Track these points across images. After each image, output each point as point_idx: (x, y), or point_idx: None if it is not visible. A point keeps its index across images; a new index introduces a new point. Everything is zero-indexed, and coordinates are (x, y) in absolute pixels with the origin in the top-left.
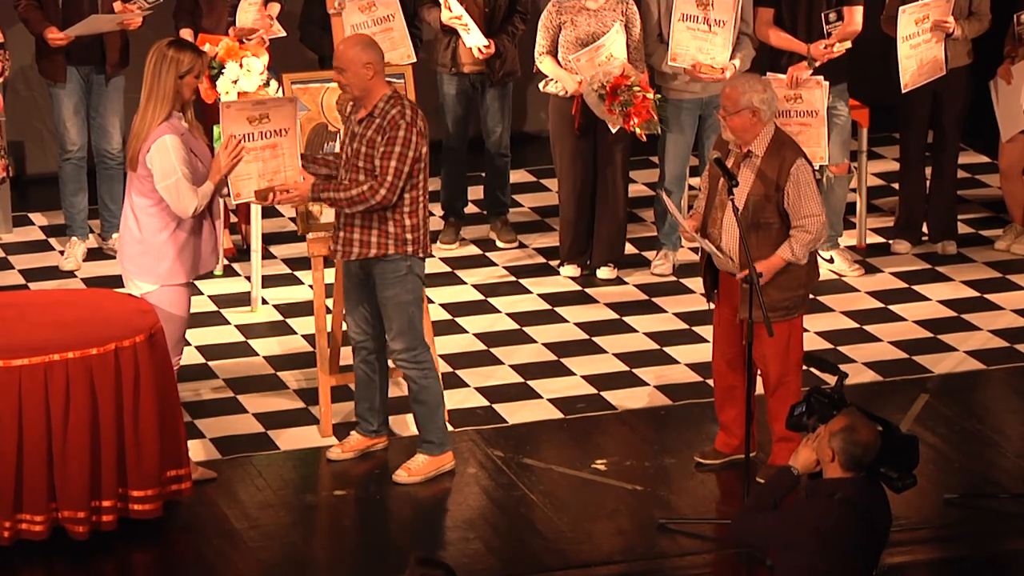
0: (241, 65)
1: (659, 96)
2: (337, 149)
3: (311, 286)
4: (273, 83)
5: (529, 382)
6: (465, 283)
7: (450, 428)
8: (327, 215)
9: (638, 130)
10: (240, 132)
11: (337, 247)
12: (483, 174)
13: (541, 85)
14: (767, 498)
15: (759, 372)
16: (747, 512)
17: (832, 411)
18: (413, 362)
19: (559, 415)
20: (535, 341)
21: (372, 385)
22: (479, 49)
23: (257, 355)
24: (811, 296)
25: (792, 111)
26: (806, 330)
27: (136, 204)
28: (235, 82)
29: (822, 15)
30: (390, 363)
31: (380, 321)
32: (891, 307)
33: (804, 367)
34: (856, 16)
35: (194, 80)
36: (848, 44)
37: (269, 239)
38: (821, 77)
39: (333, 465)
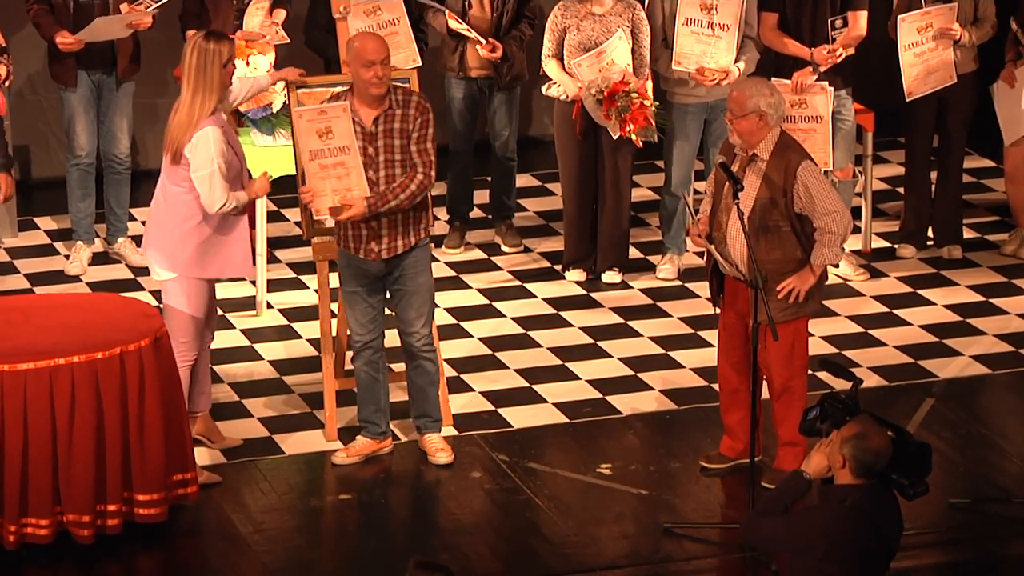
0: (248, 63)
1: (658, 104)
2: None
3: (316, 290)
4: (280, 82)
5: (534, 386)
6: (470, 287)
7: (455, 432)
8: (331, 220)
9: (634, 136)
10: (314, 147)
11: (381, 247)
12: (489, 178)
13: (544, 88)
14: (778, 502)
15: (764, 376)
16: (757, 515)
17: (846, 417)
18: (431, 346)
19: (564, 419)
20: (540, 345)
21: (377, 386)
22: (483, 48)
23: (262, 359)
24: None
25: (797, 116)
26: (811, 334)
27: (168, 191)
28: None
29: (828, 21)
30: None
31: (383, 318)
32: (896, 311)
33: (811, 372)
34: (860, 21)
35: (233, 67)
36: (852, 50)
37: (274, 243)
38: (826, 83)
39: (338, 469)
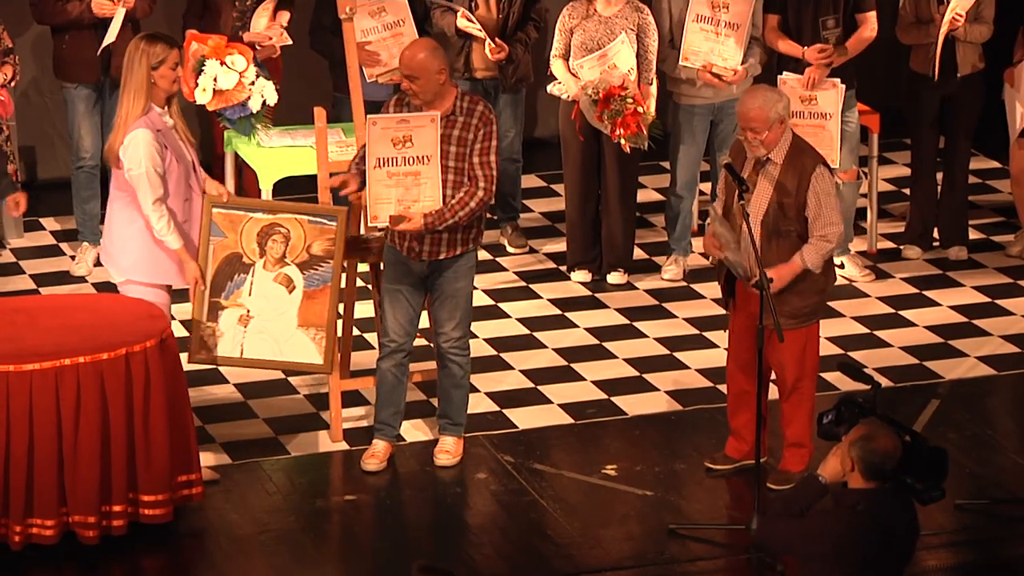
0: (223, 63)
1: (653, 115)
2: (247, 284)
3: None
4: (260, 80)
5: (539, 387)
6: (475, 288)
7: (462, 437)
8: (222, 347)
9: (623, 141)
10: (384, 155)
11: (423, 247)
12: None
13: (549, 87)
14: (794, 506)
15: (773, 378)
16: (773, 519)
17: (860, 420)
18: (464, 348)
19: (569, 420)
20: (545, 346)
21: (400, 388)
22: (490, 49)
23: None
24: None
25: (806, 113)
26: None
27: (114, 194)
28: (215, 80)
29: (820, 21)
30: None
31: (418, 322)
32: (902, 313)
33: (820, 374)
34: (870, 22)
35: (170, 71)
36: (845, 52)
37: None
38: (838, 79)
39: (343, 470)
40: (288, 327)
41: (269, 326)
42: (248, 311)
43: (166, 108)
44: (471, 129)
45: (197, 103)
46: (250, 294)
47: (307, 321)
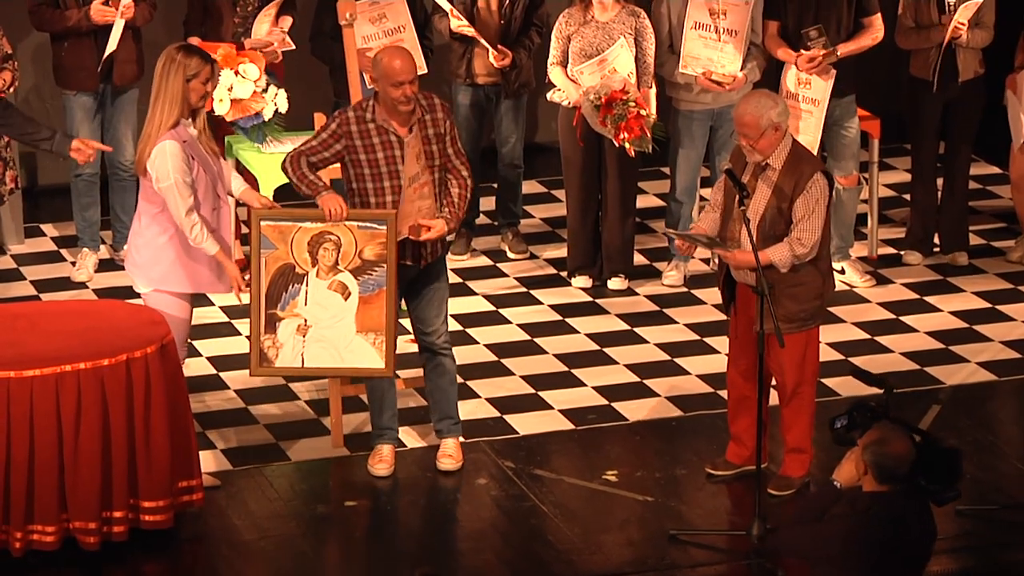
0: (237, 72)
1: (655, 118)
2: (302, 294)
3: None
4: (272, 88)
5: (540, 393)
6: (476, 294)
7: (461, 439)
8: (283, 358)
9: (627, 145)
10: (414, 173)
11: (427, 251)
12: (495, 185)
13: (548, 94)
14: (811, 511)
15: (774, 383)
16: (790, 524)
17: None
18: (450, 344)
19: (570, 426)
20: (546, 352)
21: (392, 391)
22: (494, 57)
23: None
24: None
25: (799, 95)
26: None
27: (142, 206)
28: (230, 89)
29: (803, 33)
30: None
31: None
32: (902, 318)
33: (820, 379)
34: (877, 25)
35: (201, 86)
36: (834, 56)
37: None
38: (834, 71)
39: (344, 475)
40: (347, 334)
41: (328, 334)
42: (305, 320)
43: (191, 119)
44: (440, 124)
45: (215, 114)
46: (306, 303)
47: (365, 326)
